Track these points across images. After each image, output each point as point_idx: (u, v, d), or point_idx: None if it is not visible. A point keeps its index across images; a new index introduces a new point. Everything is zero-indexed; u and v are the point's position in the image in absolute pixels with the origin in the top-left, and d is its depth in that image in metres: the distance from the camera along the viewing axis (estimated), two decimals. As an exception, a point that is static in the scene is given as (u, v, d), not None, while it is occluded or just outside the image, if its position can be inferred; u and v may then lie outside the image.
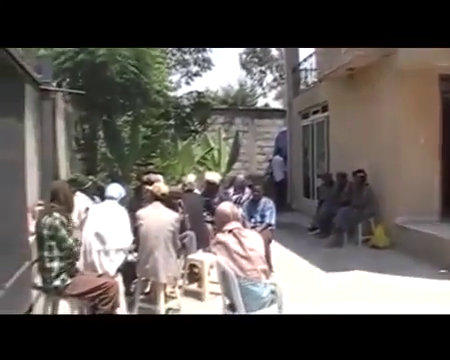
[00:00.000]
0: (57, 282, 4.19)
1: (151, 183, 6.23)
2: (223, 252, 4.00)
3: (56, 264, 4.18)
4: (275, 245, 7.34)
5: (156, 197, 5.33)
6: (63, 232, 4.16)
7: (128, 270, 5.29)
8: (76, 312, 4.30)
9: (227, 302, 4.16)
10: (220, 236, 4.10)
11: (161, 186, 5.52)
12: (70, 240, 4.21)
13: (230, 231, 4.06)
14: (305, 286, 6.28)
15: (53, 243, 4.17)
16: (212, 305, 5.47)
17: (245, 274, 3.93)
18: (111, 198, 5.31)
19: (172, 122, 14.41)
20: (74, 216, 5.76)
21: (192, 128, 15.32)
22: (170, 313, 5.33)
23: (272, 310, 4.02)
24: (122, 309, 4.94)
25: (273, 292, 4.07)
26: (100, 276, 4.59)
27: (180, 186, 7.48)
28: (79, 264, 4.65)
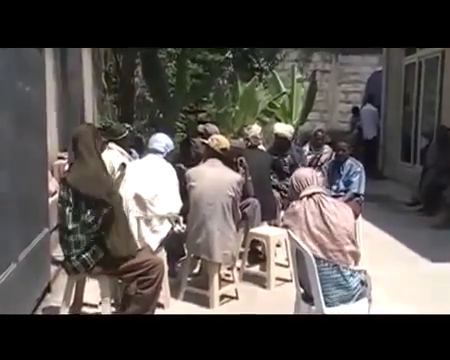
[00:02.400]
0: (86, 255, 4.20)
1: (208, 135, 6.27)
2: (299, 225, 3.97)
3: (84, 235, 4.18)
4: (363, 222, 7.24)
5: (214, 153, 5.37)
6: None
7: (174, 244, 5.41)
8: (107, 296, 4.35)
9: (301, 291, 4.17)
10: (296, 204, 4.06)
11: (221, 139, 5.54)
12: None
13: (309, 196, 4.01)
14: (402, 278, 6.17)
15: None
16: (280, 294, 5.52)
17: (327, 256, 3.89)
18: (155, 152, 5.37)
19: (230, 57, 14.29)
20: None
21: (256, 66, 15.18)
22: (225, 301, 5.42)
23: (361, 305, 3.97)
24: (165, 293, 5.08)
25: (363, 283, 4.01)
26: (140, 251, 4.64)
27: (241, 140, 7.47)
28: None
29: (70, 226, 4.15)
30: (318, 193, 4.01)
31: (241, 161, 6.22)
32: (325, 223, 3.92)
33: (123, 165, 5.69)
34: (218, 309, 5.21)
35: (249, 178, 6.20)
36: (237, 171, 5.89)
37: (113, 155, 6.01)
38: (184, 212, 5.43)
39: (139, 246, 4.88)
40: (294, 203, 4.10)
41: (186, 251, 5.58)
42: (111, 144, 6.20)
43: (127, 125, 7.21)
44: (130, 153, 6.70)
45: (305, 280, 4.01)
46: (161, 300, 4.86)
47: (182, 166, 6.24)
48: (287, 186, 7.46)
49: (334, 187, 7.06)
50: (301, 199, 4.03)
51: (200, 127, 7.28)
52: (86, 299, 4.95)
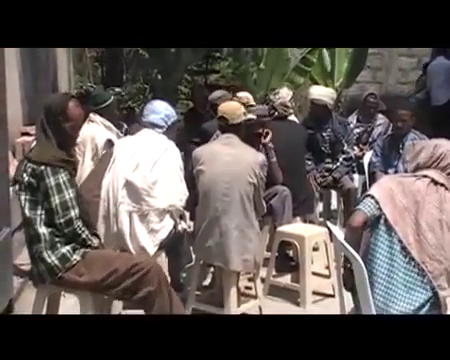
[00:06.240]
0: (51, 258, 4.18)
1: (218, 104, 6.25)
2: (409, 210, 3.94)
3: (47, 229, 4.19)
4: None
5: (228, 126, 5.40)
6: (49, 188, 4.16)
7: (178, 248, 5.45)
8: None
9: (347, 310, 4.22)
10: (414, 180, 4.04)
11: (237, 107, 5.55)
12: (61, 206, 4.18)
13: (433, 181, 3.99)
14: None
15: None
16: (318, 313, 5.43)
17: (421, 259, 3.89)
18: (152, 125, 5.39)
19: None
20: (87, 156, 5.96)
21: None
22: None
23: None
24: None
25: (434, 305, 3.98)
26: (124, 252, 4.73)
27: (266, 108, 7.48)
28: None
29: (27, 214, 4.18)
30: (444, 187, 4.01)
31: (266, 133, 6.27)
32: (441, 223, 3.94)
33: (110, 143, 5.72)
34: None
35: (273, 160, 6.22)
36: (260, 149, 5.94)
37: (96, 130, 6.07)
38: (191, 205, 5.48)
39: (131, 248, 4.98)
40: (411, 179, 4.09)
41: (194, 256, 5.61)
42: (93, 115, 6.24)
43: (117, 89, 7.21)
44: (119, 127, 6.71)
45: (353, 294, 4.07)
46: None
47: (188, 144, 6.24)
48: (327, 171, 7.53)
49: (391, 171, 7.01)
50: (423, 178, 4.03)
51: (213, 95, 7.29)
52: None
